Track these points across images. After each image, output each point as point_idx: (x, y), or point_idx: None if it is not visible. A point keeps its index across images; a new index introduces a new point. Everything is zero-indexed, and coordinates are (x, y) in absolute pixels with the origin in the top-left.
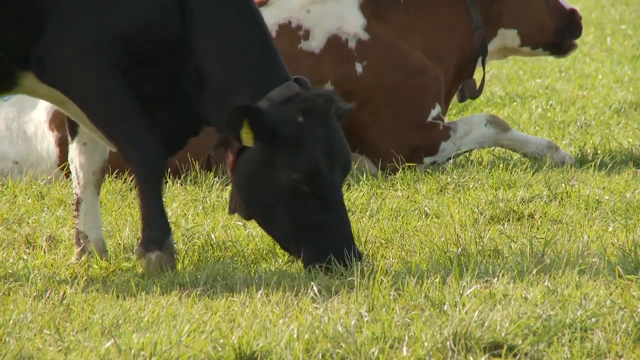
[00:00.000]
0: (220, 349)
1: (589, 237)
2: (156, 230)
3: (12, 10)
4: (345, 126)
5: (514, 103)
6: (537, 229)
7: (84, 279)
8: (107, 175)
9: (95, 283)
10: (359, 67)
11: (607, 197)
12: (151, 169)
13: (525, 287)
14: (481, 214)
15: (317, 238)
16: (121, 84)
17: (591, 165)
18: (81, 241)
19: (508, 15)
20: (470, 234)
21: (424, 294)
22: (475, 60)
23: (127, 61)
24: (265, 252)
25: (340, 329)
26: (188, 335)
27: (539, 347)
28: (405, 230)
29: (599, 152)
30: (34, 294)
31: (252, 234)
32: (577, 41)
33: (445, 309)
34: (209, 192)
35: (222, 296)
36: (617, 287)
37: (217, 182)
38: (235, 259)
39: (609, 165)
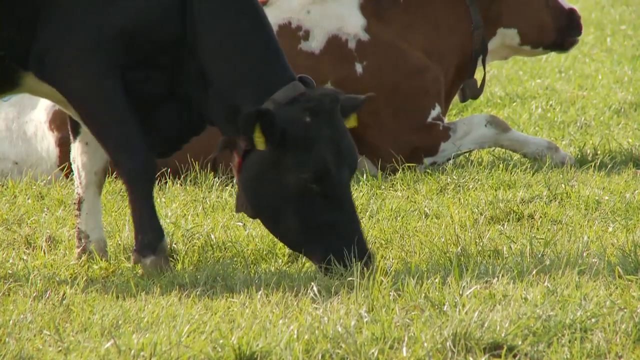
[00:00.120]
0: (220, 350)
1: (588, 237)
2: (149, 235)
3: (12, 10)
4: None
5: (514, 103)
6: (537, 229)
7: (84, 279)
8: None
9: (95, 283)
10: (358, 68)
11: (607, 198)
12: (142, 172)
13: (525, 288)
14: (481, 214)
15: (328, 238)
16: (118, 85)
17: (591, 165)
18: (82, 240)
19: (507, 15)
20: (470, 234)
21: (423, 295)
22: (475, 60)
23: (126, 61)
24: (265, 252)
25: (340, 329)
26: (188, 336)
27: (539, 348)
28: (405, 230)
29: (598, 152)
30: (34, 294)
31: (251, 235)
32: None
33: (445, 309)
34: (209, 192)
35: (222, 297)
36: (617, 288)
37: (217, 183)
38: (235, 259)
39: (609, 166)
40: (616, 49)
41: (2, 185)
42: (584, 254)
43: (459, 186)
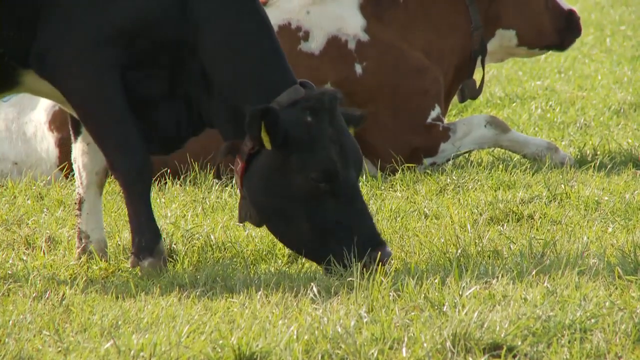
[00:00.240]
0: (219, 350)
1: (588, 238)
2: (147, 237)
3: (12, 8)
4: None
5: (514, 104)
6: (537, 229)
7: (84, 280)
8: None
9: (95, 284)
10: (358, 68)
11: (606, 198)
12: (138, 174)
13: (524, 288)
14: (481, 214)
15: (341, 238)
16: (118, 85)
17: (591, 166)
18: (83, 240)
19: (507, 16)
20: (469, 234)
21: (423, 295)
22: (474, 61)
23: (126, 60)
24: (264, 253)
25: (339, 329)
26: (187, 336)
27: (539, 348)
28: (404, 231)
29: (598, 153)
30: (34, 294)
31: (251, 235)
32: (576, 42)
33: (444, 309)
34: (209, 193)
35: (222, 297)
36: (616, 288)
37: (217, 183)
38: (235, 259)
39: (609, 166)
40: (616, 49)
41: (2, 186)
42: (584, 255)
43: (459, 187)
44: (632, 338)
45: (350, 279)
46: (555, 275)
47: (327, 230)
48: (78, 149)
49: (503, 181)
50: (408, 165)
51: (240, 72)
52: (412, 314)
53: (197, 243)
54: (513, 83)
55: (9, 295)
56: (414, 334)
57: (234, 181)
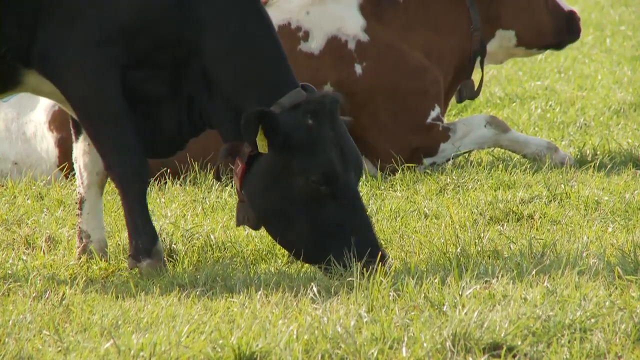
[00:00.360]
0: (219, 350)
1: (588, 237)
2: (144, 238)
3: (13, 7)
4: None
5: (514, 104)
6: (537, 229)
7: (84, 279)
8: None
9: (95, 284)
10: (358, 69)
11: (606, 198)
12: (135, 176)
13: (524, 288)
14: (480, 214)
15: (341, 240)
16: (118, 86)
17: (590, 166)
18: (83, 240)
19: (507, 16)
20: (469, 234)
21: (423, 295)
22: (474, 61)
23: (127, 60)
24: (264, 252)
25: (339, 329)
26: (187, 336)
27: (539, 348)
28: (404, 231)
29: (598, 152)
30: (34, 294)
31: (251, 235)
32: (577, 42)
33: (444, 309)
34: (208, 193)
35: (222, 297)
36: (616, 288)
37: (217, 183)
38: (235, 259)
39: (609, 166)
40: (615, 49)
41: (2, 186)
42: (584, 255)
43: (459, 186)
44: (632, 338)
45: (350, 279)
46: (555, 275)
47: (326, 233)
48: (79, 148)
49: (503, 181)
50: (408, 165)
51: (242, 74)
52: (412, 313)
53: (197, 243)
54: (513, 83)
55: (8, 295)
56: (413, 334)
57: (233, 182)
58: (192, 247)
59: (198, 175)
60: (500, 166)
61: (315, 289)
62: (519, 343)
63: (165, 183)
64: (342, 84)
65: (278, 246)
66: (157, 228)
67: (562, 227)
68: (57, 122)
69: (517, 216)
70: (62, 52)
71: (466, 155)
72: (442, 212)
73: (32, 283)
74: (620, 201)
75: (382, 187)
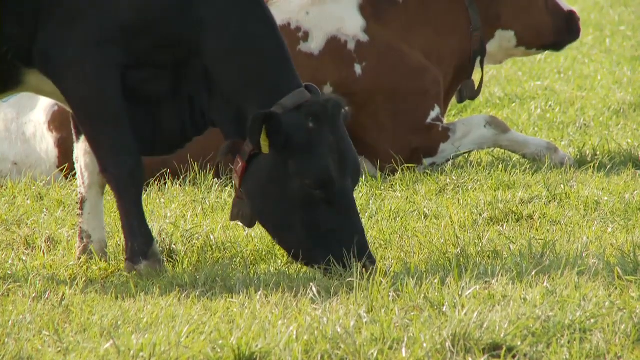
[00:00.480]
0: (219, 350)
1: (588, 238)
2: (139, 241)
3: (14, 6)
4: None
5: (513, 104)
6: (536, 230)
7: (83, 280)
8: None
9: (95, 284)
10: (358, 69)
11: (606, 198)
12: (130, 178)
13: (524, 288)
14: (480, 215)
15: (330, 244)
16: (116, 86)
17: (590, 166)
18: (84, 240)
19: (506, 16)
20: (469, 235)
21: (423, 295)
22: (474, 61)
23: (128, 60)
24: (264, 253)
25: (339, 330)
26: (187, 337)
27: (538, 348)
28: (404, 231)
29: (598, 153)
30: (33, 295)
31: (251, 235)
32: (576, 42)
33: (444, 310)
34: (208, 193)
35: (221, 297)
36: (616, 288)
37: (216, 184)
38: (235, 260)
39: (608, 167)
40: (615, 49)
41: (2, 186)
42: (583, 255)
43: (458, 187)
44: (632, 338)
45: (349, 279)
46: (554, 276)
47: (318, 237)
48: (80, 148)
49: (503, 181)
50: (408, 165)
51: (242, 74)
52: (412, 314)
53: (197, 243)
54: (513, 83)
55: (8, 295)
56: (413, 334)
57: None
58: (192, 247)
59: (198, 175)
60: (500, 166)
61: (314, 289)
62: (519, 343)
63: (165, 183)
64: (342, 84)
65: (278, 247)
66: (157, 228)
67: (561, 227)
68: (56, 122)
69: (516, 216)
70: (62, 52)
71: (466, 155)
72: (441, 213)
73: (31, 283)
74: (620, 201)
75: (382, 188)
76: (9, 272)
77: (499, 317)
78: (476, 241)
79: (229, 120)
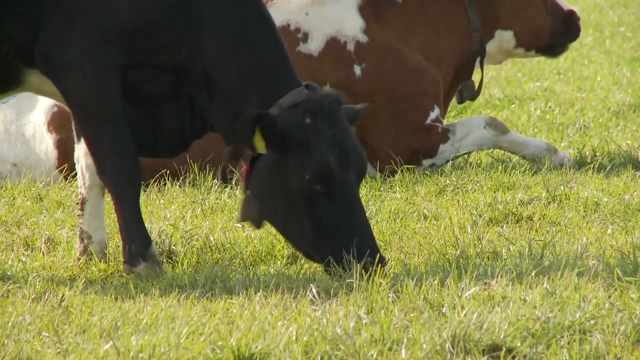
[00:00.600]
0: (219, 351)
1: (587, 239)
2: (137, 243)
3: (15, 6)
4: None
5: (513, 105)
6: (536, 231)
7: (83, 281)
8: None
9: (94, 285)
10: (357, 70)
11: (605, 200)
12: (127, 181)
13: (524, 289)
14: (480, 216)
15: (336, 241)
16: (116, 88)
17: (590, 167)
18: (84, 240)
19: (506, 17)
20: (469, 236)
21: (422, 296)
22: (473, 62)
23: (128, 61)
24: (263, 254)
25: (339, 331)
26: (187, 338)
27: (538, 349)
28: (403, 232)
29: (597, 154)
30: (33, 296)
31: (250, 236)
32: (576, 43)
33: (444, 311)
34: (208, 194)
35: (221, 298)
36: (615, 290)
37: (216, 184)
38: (234, 261)
39: (608, 168)
40: (615, 50)
41: (1, 187)
42: (583, 256)
43: (458, 188)
44: (632, 339)
45: (349, 280)
46: (554, 277)
47: (323, 232)
48: (81, 149)
49: (502, 182)
50: (407, 166)
51: (242, 75)
52: (412, 315)
53: (196, 244)
54: (512, 84)
55: (8, 296)
56: (413, 335)
57: (234, 182)
58: (191, 248)
59: (197, 176)
60: (500, 167)
61: (314, 290)
62: (519, 344)
63: (165, 184)
64: (342, 85)
65: (277, 247)
66: (156, 229)
67: (561, 228)
68: (56, 123)
69: (516, 217)
70: (62, 52)
71: (465, 156)
72: (441, 214)
73: (31, 284)
74: (620, 202)
75: (382, 189)
76: (9, 273)
77: (498, 318)
78: (476, 242)
79: (229, 124)
